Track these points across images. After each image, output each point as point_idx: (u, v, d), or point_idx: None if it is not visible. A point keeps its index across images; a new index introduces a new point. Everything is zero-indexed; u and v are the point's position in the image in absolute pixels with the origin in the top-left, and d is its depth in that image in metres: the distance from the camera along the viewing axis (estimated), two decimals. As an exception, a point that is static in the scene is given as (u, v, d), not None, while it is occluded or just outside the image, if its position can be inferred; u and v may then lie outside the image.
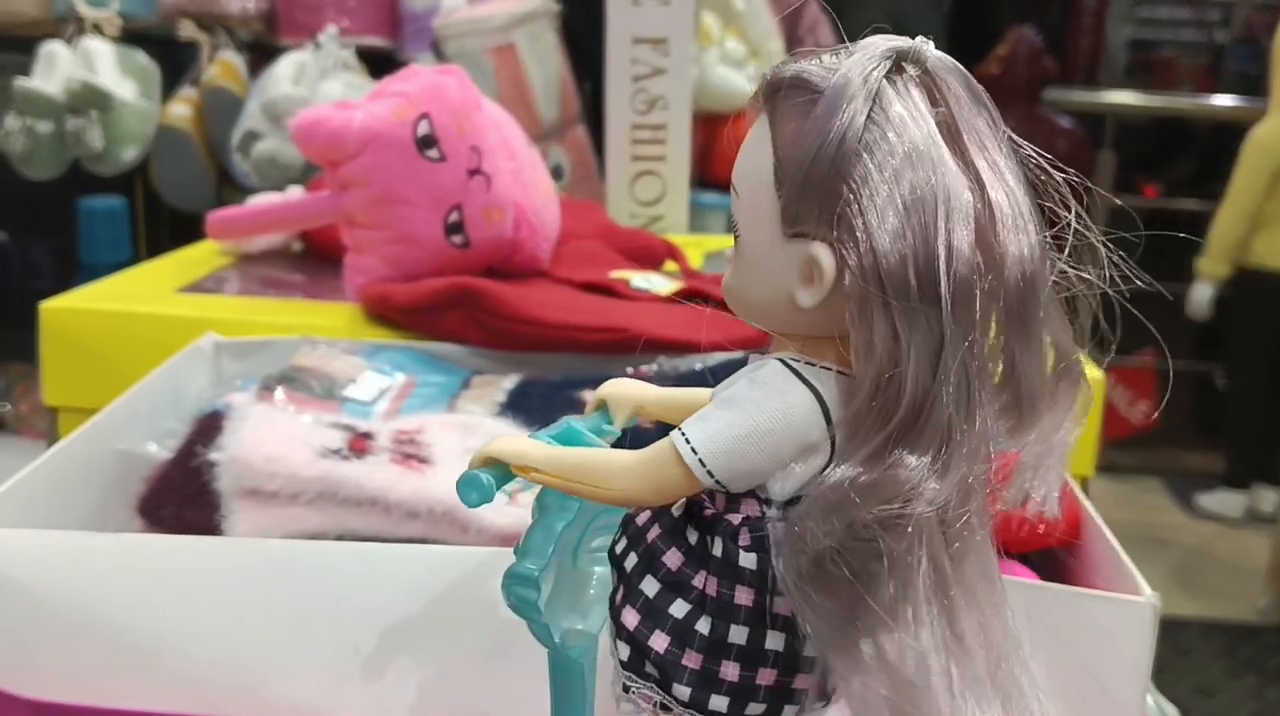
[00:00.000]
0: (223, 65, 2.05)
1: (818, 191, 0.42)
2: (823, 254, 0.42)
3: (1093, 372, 0.98)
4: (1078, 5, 4.24)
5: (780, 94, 0.44)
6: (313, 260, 1.24)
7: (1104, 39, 4.27)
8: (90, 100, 1.95)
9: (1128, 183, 3.66)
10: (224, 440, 0.68)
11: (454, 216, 1.02)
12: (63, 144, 1.97)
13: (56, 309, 1.00)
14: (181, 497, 0.72)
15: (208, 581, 0.60)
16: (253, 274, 1.17)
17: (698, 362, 0.93)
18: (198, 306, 1.02)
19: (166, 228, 2.17)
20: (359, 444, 0.69)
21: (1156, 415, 3.28)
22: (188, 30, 2.05)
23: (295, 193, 1.29)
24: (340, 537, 0.66)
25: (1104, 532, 0.66)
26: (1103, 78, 4.19)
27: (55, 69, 1.98)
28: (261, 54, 2.07)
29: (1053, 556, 0.72)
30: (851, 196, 0.41)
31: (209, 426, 0.73)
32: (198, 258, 1.21)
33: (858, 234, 0.41)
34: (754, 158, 0.44)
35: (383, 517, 0.66)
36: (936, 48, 0.44)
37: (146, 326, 0.99)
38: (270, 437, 0.67)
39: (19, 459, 1.99)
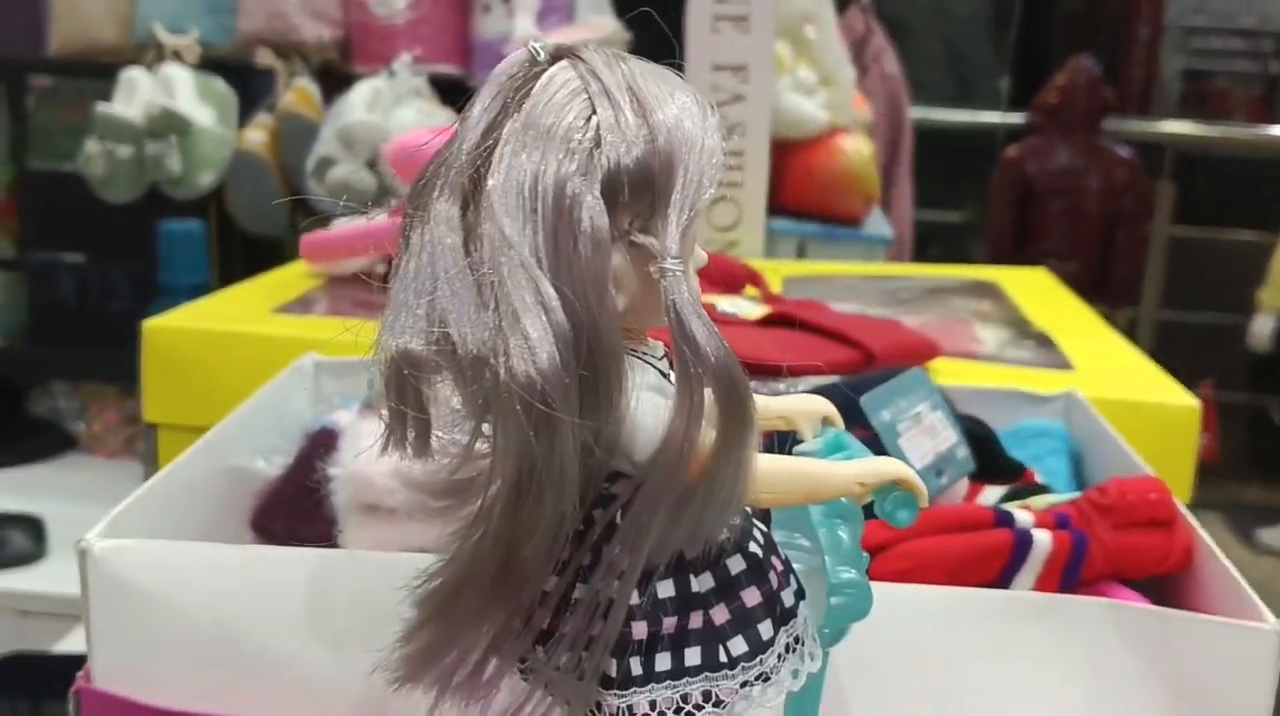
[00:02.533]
0: (298, 92, 2.08)
1: None
2: None
3: (1187, 401, 0.98)
4: (1131, 36, 4.22)
5: None
6: (398, 283, 1.25)
7: (1158, 69, 4.26)
8: (169, 125, 1.98)
9: (1186, 213, 3.63)
10: (341, 456, 0.69)
11: (544, 240, 1.03)
12: (142, 168, 2.00)
13: (158, 328, 1.01)
14: (294, 512, 0.73)
15: (329, 593, 0.61)
16: (342, 295, 1.19)
17: (783, 385, 0.93)
18: (294, 326, 1.04)
19: (239, 251, 2.20)
20: (472, 462, 0.70)
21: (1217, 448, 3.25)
22: (265, 58, 2.08)
23: (380, 218, 1.31)
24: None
25: (1220, 560, 0.66)
26: (1156, 108, 4.17)
27: (135, 95, 2.01)
28: (336, 81, 2.09)
29: (1163, 584, 0.71)
30: None
31: (322, 442, 0.74)
32: (288, 279, 1.23)
33: None
34: None
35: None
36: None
37: (245, 345, 1.00)
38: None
39: (94, 476, 2.02)
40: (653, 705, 0.45)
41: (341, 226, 1.28)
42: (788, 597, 0.48)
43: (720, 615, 0.46)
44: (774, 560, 0.48)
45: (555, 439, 0.41)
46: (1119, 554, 0.68)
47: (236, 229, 2.14)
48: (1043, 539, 0.67)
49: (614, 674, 0.45)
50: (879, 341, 0.97)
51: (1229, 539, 3.35)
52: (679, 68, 0.47)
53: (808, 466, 0.48)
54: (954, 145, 3.38)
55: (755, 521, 0.48)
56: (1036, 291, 1.43)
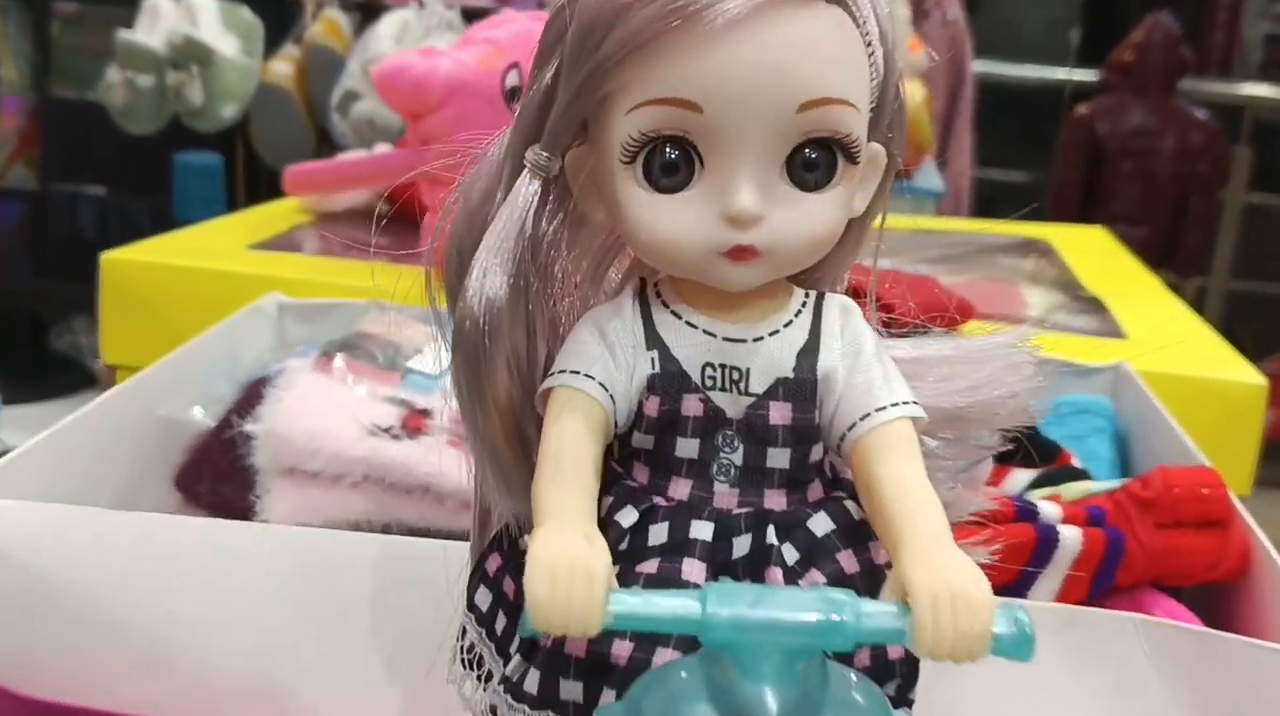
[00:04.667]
0: (326, 23, 2.01)
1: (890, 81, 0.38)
2: (878, 148, 0.39)
3: (1253, 378, 0.87)
4: (1214, -1, 4.06)
5: None
6: (398, 222, 1.17)
7: (1239, 32, 4.09)
8: (191, 55, 1.91)
9: (1263, 180, 3.47)
10: (263, 411, 0.60)
11: (543, 178, 0.94)
12: (163, 98, 1.93)
13: (118, 261, 0.94)
14: (219, 472, 0.65)
15: (232, 573, 0.53)
16: (331, 233, 1.11)
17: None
18: (267, 264, 0.96)
19: (265, 186, 2.13)
20: (414, 422, 0.61)
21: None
22: (292, -14, 2.00)
23: (383, 150, 1.23)
24: (386, 527, 0.59)
25: (1279, 567, 0.56)
26: (1236, 72, 4.00)
27: (158, 22, 1.94)
28: (368, 12, 2.02)
29: (1212, 593, 0.61)
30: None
31: (253, 394, 0.66)
32: (277, 214, 1.14)
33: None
34: (845, 57, 0.35)
35: (435, 507, 0.58)
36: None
37: (210, 283, 0.92)
38: (314, 411, 0.59)
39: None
40: (463, 631, 0.41)
41: (338, 159, 1.20)
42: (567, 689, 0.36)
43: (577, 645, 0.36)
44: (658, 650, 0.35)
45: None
46: (1161, 557, 0.58)
47: (263, 164, 2.07)
48: (1070, 537, 0.57)
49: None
50: (905, 300, 0.86)
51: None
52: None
53: (546, 491, 0.34)
54: (1020, 100, 3.24)
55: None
56: (1092, 252, 1.31)
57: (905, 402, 0.37)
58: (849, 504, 0.37)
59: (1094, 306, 1.07)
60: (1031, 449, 0.71)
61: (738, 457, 0.36)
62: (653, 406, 0.36)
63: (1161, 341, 0.96)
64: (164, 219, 2.06)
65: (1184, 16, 3.27)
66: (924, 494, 0.35)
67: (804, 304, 0.38)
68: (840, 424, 0.37)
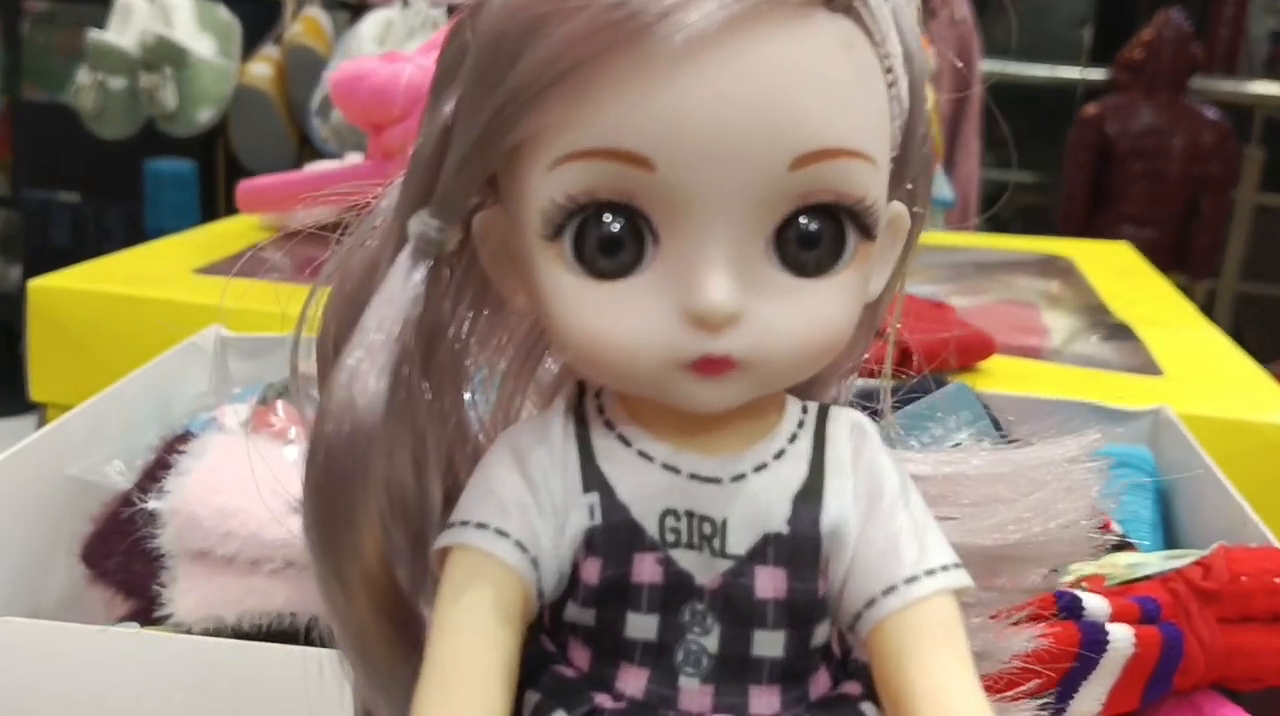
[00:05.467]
0: (307, 22, 1.93)
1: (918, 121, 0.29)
2: (899, 208, 0.29)
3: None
4: (1219, -6, 4.00)
5: None
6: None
7: (1244, 29, 4.03)
8: (165, 56, 1.83)
9: (1275, 181, 3.39)
10: (169, 483, 0.51)
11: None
12: (136, 101, 1.85)
13: (46, 288, 0.85)
14: (132, 546, 0.56)
15: (118, 689, 0.44)
16: (291, 253, 1.02)
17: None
18: (212, 291, 0.87)
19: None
20: (349, 495, 0.53)
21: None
22: (272, -16, 1.92)
23: (354, 160, 1.14)
24: (312, 621, 0.50)
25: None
26: (1241, 69, 3.94)
27: (131, 22, 1.86)
28: (353, 11, 1.94)
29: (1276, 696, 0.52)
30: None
31: (163, 461, 0.57)
32: (231, 232, 1.05)
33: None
34: (858, 89, 0.25)
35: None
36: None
37: (148, 313, 0.83)
38: (227, 485, 0.50)
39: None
40: None
41: (311, 169, 1.12)
42: None
43: None
44: None
45: None
46: (1225, 658, 0.49)
47: (245, 169, 1.99)
48: (1121, 638, 0.48)
49: None
50: (920, 336, 0.78)
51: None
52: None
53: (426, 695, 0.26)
54: (1030, 100, 3.17)
55: None
56: (1116, 270, 1.23)
57: (945, 567, 0.27)
58: (866, 708, 0.28)
59: (1122, 333, 0.98)
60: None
61: (712, 642, 0.26)
62: (592, 571, 0.27)
63: (1200, 376, 0.88)
64: (139, 226, 1.99)
65: (1190, 13, 3.20)
66: None
67: (801, 424, 0.28)
68: (854, 598, 0.27)
